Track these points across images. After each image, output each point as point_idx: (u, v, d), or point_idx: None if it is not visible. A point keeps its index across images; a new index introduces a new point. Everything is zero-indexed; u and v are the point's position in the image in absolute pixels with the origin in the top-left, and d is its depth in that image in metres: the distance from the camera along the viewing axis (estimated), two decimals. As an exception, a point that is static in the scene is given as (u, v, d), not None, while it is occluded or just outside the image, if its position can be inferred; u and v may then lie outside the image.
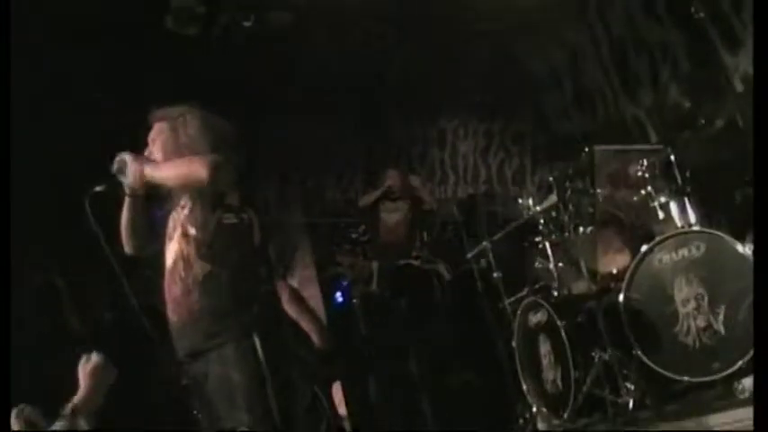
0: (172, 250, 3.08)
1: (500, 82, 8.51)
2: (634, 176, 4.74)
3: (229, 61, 7.27)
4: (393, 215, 7.20)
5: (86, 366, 2.98)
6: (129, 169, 3.02)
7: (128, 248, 3.23)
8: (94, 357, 3.01)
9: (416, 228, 7.12)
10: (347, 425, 5.73)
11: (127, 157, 3.04)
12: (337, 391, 5.59)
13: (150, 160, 3.09)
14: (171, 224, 3.13)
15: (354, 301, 6.67)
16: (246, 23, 6.76)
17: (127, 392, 3.34)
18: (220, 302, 2.97)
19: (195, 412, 3.07)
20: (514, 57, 8.34)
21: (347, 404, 6.01)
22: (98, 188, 3.04)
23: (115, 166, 3.05)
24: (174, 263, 3.05)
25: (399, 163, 8.54)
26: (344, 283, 7.00)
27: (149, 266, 3.29)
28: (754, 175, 3.98)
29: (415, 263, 6.65)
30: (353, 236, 7.52)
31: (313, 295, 6.83)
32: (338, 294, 6.91)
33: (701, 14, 6.02)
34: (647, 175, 4.55)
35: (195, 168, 2.96)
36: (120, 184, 3.10)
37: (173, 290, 3.04)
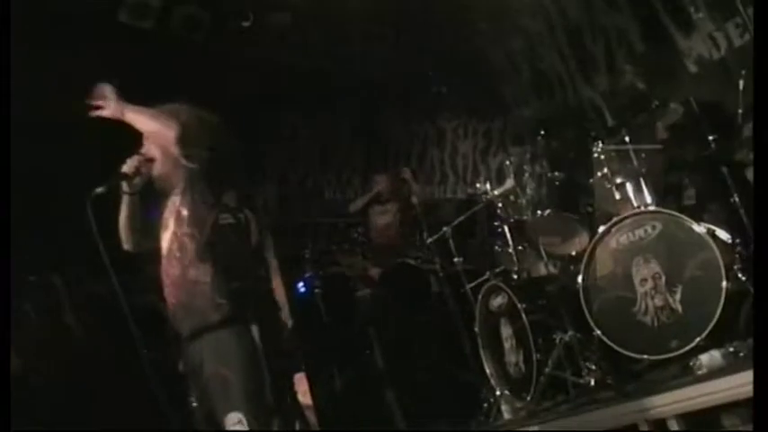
0: (167, 237, 3.19)
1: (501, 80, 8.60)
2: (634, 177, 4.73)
3: (229, 61, 7.21)
4: (383, 218, 7.32)
5: None
6: (111, 102, 3.09)
7: (127, 245, 3.34)
8: None
9: (407, 229, 7.25)
10: (311, 415, 5.71)
11: (110, 90, 3.11)
12: (302, 381, 5.58)
13: (132, 105, 3.16)
14: (166, 213, 3.24)
15: (317, 291, 6.66)
16: (245, 23, 6.71)
17: (126, 391, 3.32)
18: (217, 299, 3.06)
19: (192, 400, 3.13)
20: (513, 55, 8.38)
21: (312, 395, 5.99)
22: (99, 190, 3.09)
23: (96, 95, 3.10)
24: (170, 246, 3.16)
25: (399, 163, 8.68)
26: (307, 275, 6.97)
27: (150, 263, 3.33)
28: (755, 175, 4.04)
29: (413, 262, 6.66)
30: (353, 236, 7.60)
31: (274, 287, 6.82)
32: (300, 285, 6.87)
33: (701, 15, 6.07)
34: (602, 157, 4.58)
35: (167, 124, 3.08)
36: (119, 185, 3.21)
37: (170, 272, 3.15)
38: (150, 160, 3.23)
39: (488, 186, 5.21)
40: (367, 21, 7.34)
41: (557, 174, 5.08)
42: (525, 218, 5.02)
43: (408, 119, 9.15)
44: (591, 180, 4.77)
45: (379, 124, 9.01)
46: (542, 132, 5.17)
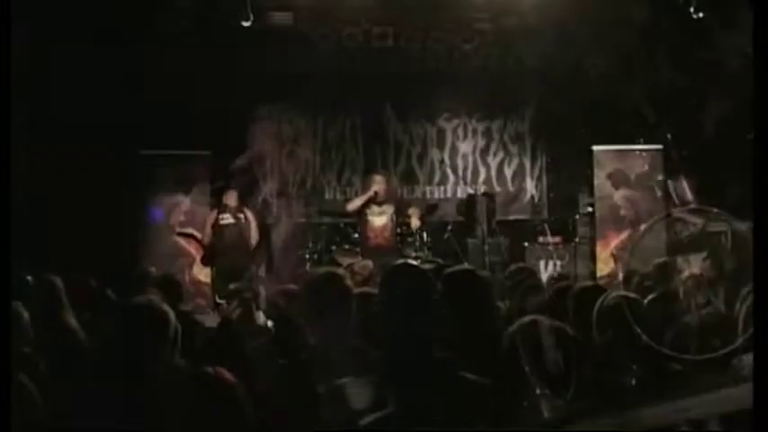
0: (281, 232, 3.55)
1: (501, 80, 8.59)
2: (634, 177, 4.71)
3: (228, 60, 7.26)
4: (379, 218, 7.49)
5: None
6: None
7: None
8: None
9: (404, 228, 7.35)
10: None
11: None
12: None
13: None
14: (277, 213, 3.53)
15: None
16: (246, 23, 6.77)
17: (126, 392, 3.36)
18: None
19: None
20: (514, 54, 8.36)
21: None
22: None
23: None
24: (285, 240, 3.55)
25: (398, 162, 8.72)
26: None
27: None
28: (755, 173, 3.98)
29: (414, 262, 6.69)
30: (354, 236, 7.69)
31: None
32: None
33: (701, 15, 6.02)
34: (643, 154, 4.54)
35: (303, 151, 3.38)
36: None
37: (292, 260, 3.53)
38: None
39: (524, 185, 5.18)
40: (367, 21, 7.39)
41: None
42: (563, 217, 4.98)
43: (409, 119, 9.24)
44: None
45: (380, 124, 9.10)
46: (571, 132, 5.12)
